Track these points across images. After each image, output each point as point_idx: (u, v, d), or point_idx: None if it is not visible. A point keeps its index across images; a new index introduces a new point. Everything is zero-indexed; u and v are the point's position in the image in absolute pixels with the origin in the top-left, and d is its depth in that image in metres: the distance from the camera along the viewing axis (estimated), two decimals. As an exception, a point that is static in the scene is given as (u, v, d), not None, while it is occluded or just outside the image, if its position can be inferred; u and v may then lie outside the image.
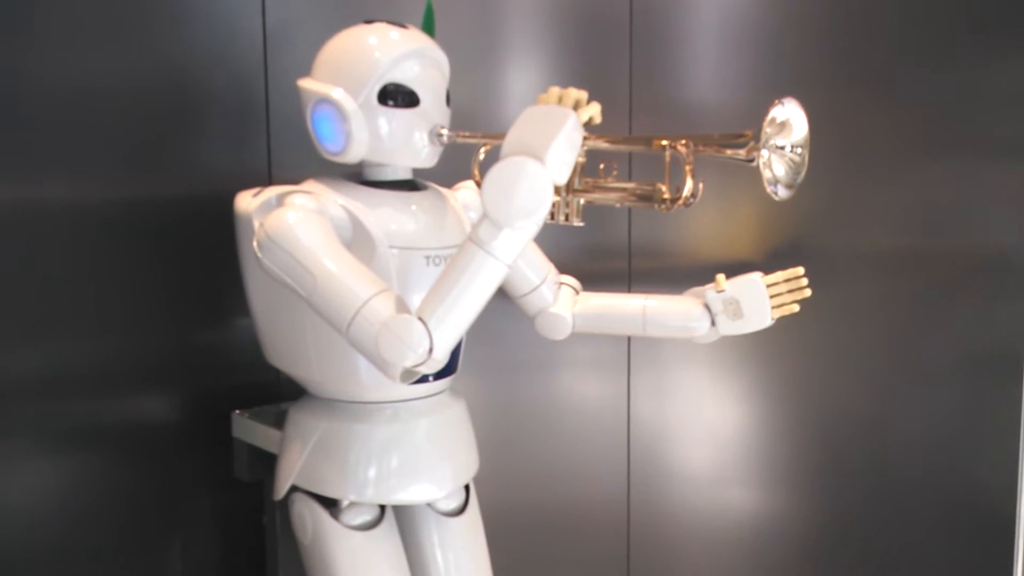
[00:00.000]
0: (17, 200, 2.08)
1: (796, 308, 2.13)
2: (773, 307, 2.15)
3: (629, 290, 3.00)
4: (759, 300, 2.15)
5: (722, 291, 2.17)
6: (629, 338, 3.09)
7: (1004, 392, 4.01)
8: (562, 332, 2.26)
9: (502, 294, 2.14)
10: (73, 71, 2.11)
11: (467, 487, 2.20)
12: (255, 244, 1.87)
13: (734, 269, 2.15)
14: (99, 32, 2.14)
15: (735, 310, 2.13)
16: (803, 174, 1.74)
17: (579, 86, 1.76)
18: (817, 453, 3.56)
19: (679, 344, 3.24)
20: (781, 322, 2.12)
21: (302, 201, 1.89)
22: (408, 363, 1.72)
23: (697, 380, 3.31)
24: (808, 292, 2.13)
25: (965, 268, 3.82)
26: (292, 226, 1.83)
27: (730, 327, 2.19)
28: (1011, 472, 4.04)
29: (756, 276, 2.16)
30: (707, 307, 2.21)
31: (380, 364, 1.76)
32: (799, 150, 1.72)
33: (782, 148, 1.69)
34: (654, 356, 3.16)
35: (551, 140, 1.65)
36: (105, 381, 2.21)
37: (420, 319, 1.71)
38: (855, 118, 3.44)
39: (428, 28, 2.18)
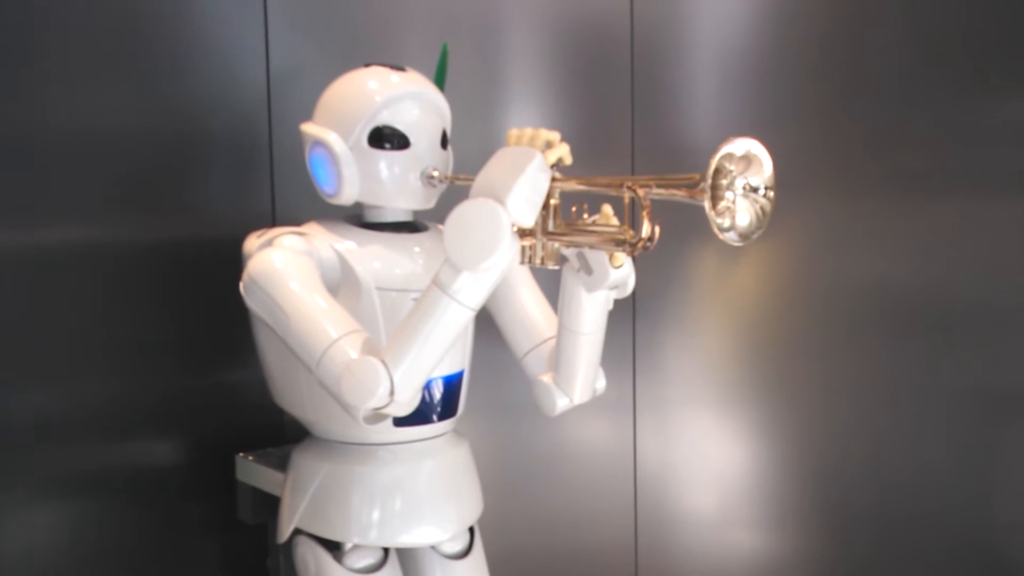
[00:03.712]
0: (23, 243, 2.10)
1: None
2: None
3: (633, 318, 2.99)
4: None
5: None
6: (634, 380, 3.09)
7: (1011, 430, 3.97)
8: (548, 405, 2.03)
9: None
10: (79, 116, 2.14)
11: (471, 529, 2.19)
12: (241, 284, 1.89)
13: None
14: (105, 78, 2.17)
15: (584, 264, 1.87)
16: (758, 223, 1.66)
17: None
18: (823, 493, 3.53)
19: (684, 385, 3.24)
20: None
21: (290, 243, 1.92)
22: (370, 406, 1.71)
23: (702, 420, 3.29)
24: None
25: (970, 304, 3.80)
26: (272, 267, 1.86)
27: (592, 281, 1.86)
28: (1020, 511, 4.00)
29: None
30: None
31: (343, 406, 1.76)
32: (764, 191, 1.65)
33: (754, 190, 1.65)
34: (659, 397, 3.16)
35: (513, 181, 1.63)
36: (109, 424, 2.21)
37: (383, 362, 1.70)
38: (855, 153, 3.45)
39: (441, 69, 2.21)
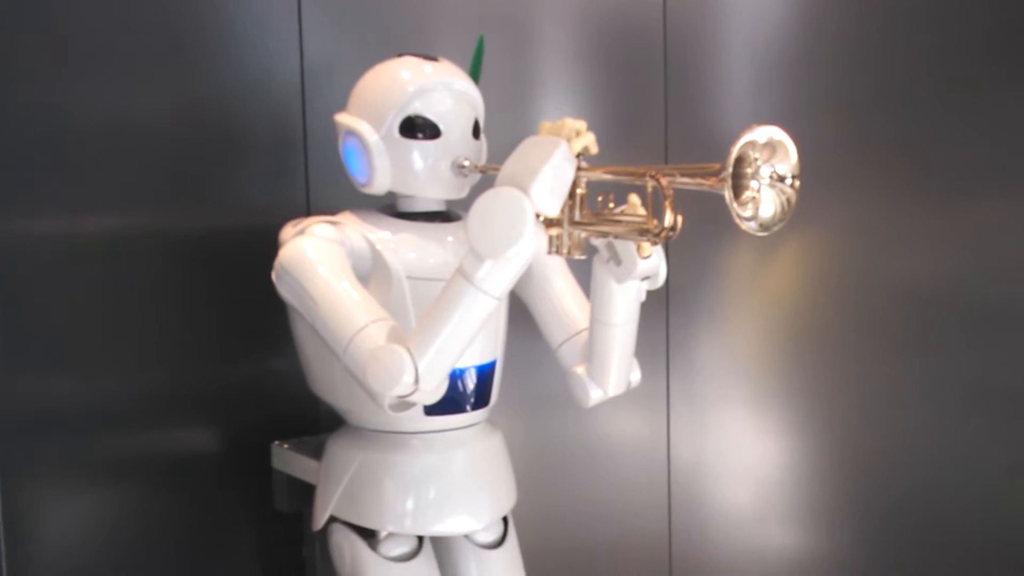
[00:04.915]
0: (63, 234, 2.13)
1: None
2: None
3: (667, 311, 2.99)
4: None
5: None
6: (668, 374, 3.09)
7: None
8: (582, 396, 2.03)
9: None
10: (116, 107, 2.17)
11: (505, 519, 2.19)
12: (272, 272, 1.91)
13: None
14: (141, 70, 2.20)
15: (613, 255, 1.87)
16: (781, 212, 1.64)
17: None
18: (856, 489, 3.51)
19: (718, 379, 3.23)
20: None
21: (322, 231, 1.94)
22: (395, 393, 1.72)
23: (735, 415, 3.28)
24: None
25: (1005, 302, 3.76)
26: (303, 255, 1.88)
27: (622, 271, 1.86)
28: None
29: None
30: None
31: (369, 393, 1.77)
32: (790, 180, 1.63)
33: (781, 179, 1.64)
34: (693, 392, 3.15)
35: (537, 170, 1.63)
36: (147, 413, 2.24)
37: (408, 350, 1.71)
38: (890, 149, 3.42)
39: (477, 61, 2.22)
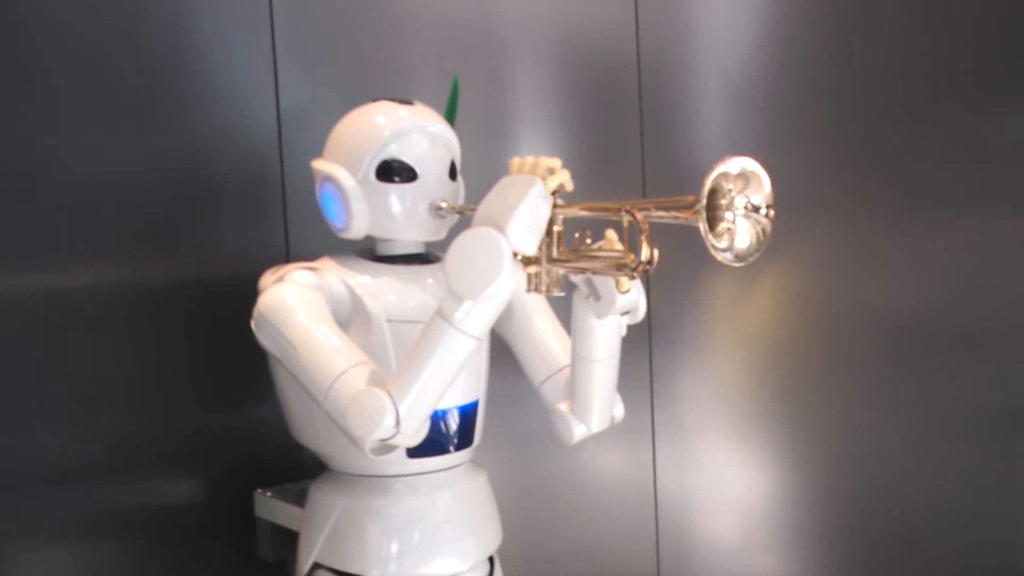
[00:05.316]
0: (36, 286, 2.12)
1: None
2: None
3: (650, 344, 3.00)
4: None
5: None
6: (652, 407, 3.09)
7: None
8: (565, 433, 2.02)
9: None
10: (89, 157, 2.16)
11: (491, 559, 2.18)
12: (252, 320, 1.91)
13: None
14: (114, 118, 2.20)
15: (592, 291, 1.87)
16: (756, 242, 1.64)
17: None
18: (842, 516, 3.51)
19: (702, 411, 3.23)
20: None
21: (300, 278, 1.94)
22: (376, 437, 1.72)
23: (720, 446, 3.29)
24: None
25: (983, 322, 3.79)
26: (281, 302, 1.88)
27: (601, 307, 1.86)
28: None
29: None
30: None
31: (350, 437, 1.76)
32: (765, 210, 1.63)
33: (756, 209, 1.65)
34: (677, 424, 3.15)
35: (514, 209, 1.64)
36: (127, 464, 2.22)
37: (388, 393, 1.71)
38: (864, 174, 3.45)
39: (453, 102, 2.23)
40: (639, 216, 1.64)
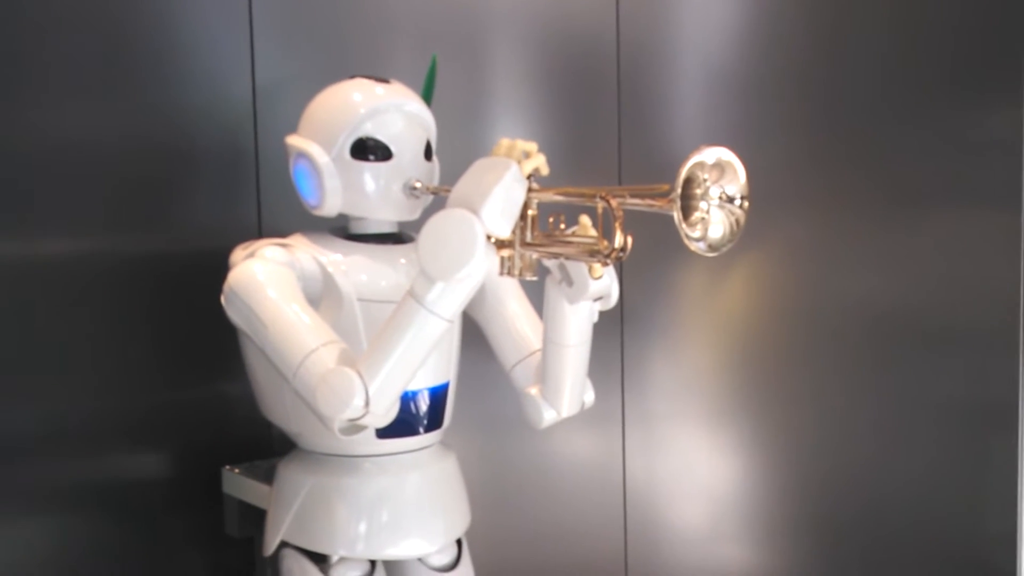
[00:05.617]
0: (5, 256, 2.09)
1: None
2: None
3: (622, 331, 3.01)
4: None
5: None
6: (623, 393, 3.09)
7: (996, 442, 3.98)
8: (535, 418, 2.02)
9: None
10: (63, 131, 2.14)
11: (459, 541, 2.18)
12: (222, 295, 1.90)
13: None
14: (89, 93, 2.18)
15: (565, 276, 1.87)
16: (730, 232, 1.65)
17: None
18: (812, 506, 3.53)
19: (672, 398, 3.24)
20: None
21: (271, 254, 1.93)
22: (345, 417, 1.71)
23: (690, 434, 3.29)
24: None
25: (956, 317, 3.82)
26: (252, 278, 1.87)
27: (574, 292, 1.85)
28: (1009, 522, 4.00)
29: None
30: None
31: (319, 416, 1.76)
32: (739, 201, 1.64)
33: (730, 200, 1.65)
34: (647, 411, 3.16)
35: (488, 192, 1.64)
36: (95, 438, 2.21)
37: (358, 373, 1.70)
38: (841, 166, 3.46)
39: (430, 81, 2.22)
40: (614, 203, 1.64)
